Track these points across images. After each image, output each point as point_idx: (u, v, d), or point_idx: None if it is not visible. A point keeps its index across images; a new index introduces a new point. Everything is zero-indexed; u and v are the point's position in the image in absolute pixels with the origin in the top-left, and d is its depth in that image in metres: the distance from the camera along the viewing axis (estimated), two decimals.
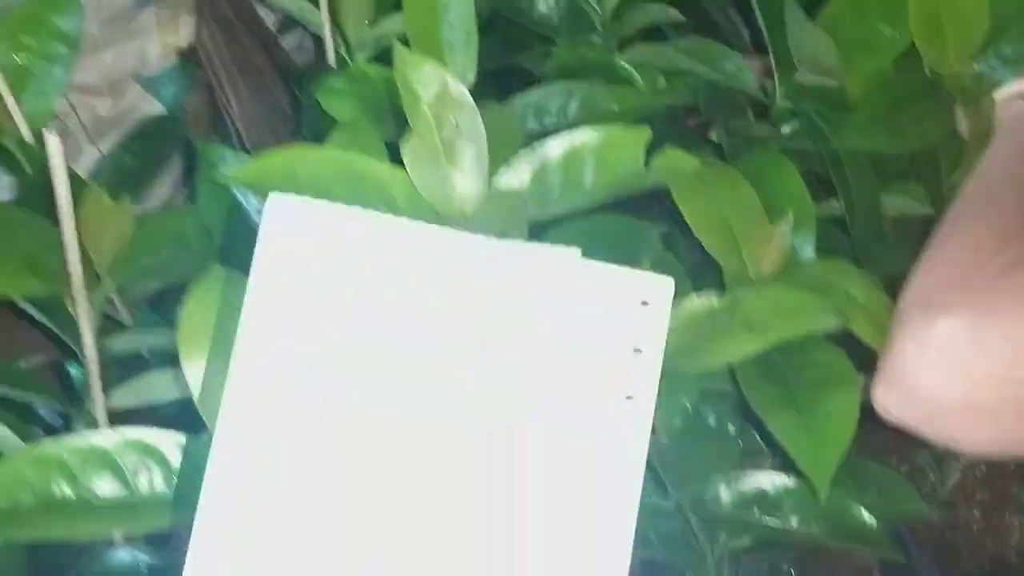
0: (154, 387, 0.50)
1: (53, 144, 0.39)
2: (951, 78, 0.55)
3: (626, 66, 0.71)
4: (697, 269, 0.49)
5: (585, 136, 0.43)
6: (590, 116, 0.60)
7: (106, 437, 0.39)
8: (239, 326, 0.32)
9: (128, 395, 0.51)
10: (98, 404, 0.50)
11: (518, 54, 0.78)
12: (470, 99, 0.43)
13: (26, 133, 0.54)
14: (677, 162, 0.43)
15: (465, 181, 0.42)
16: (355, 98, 0.58)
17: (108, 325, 0.52)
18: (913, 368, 0.41)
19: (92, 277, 0.48)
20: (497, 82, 0.80)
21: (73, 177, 0.47)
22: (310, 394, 0.32)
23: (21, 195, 0.53)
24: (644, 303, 0.34)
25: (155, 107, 0.78)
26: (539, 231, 0.43)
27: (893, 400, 0.42)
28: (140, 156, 0.62)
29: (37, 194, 0.52)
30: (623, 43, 0.72)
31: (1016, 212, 0.46)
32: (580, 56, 0.68)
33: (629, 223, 0.49)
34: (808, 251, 0.51)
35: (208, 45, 0.79)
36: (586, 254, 0.34)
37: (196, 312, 0.38)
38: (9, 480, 0.38)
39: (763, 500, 0.47)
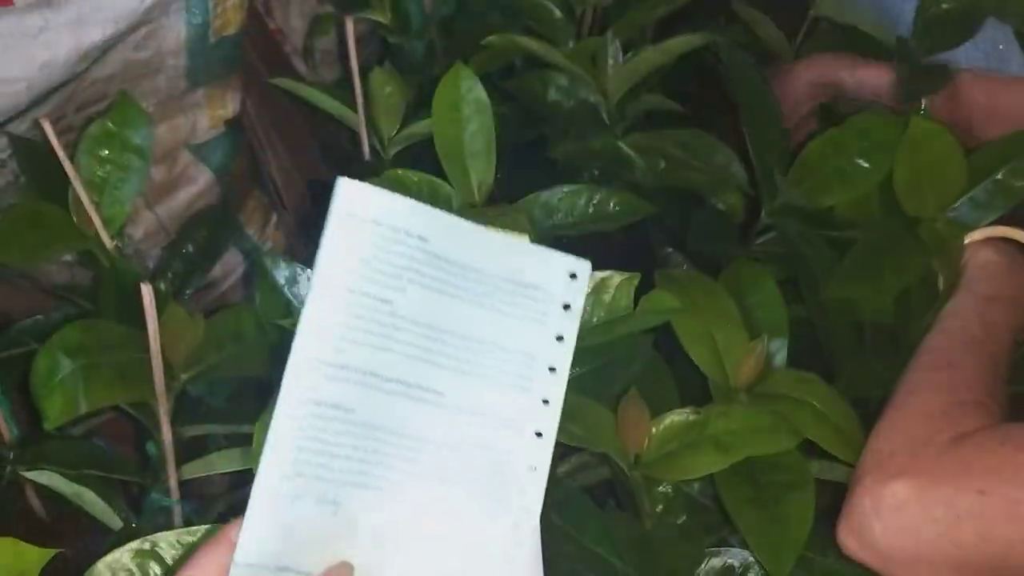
0: (218, 463, 0.59)
1: (147, 294, 0.48)
2: (927, 222, 0.62)
3: (629, 152, 0.79)
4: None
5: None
6: (594, 215, 0.68)
7: (193, 533, 0.48)
8: (308, 293, 0.39)
9: (197, 469, 0.60)
10: (171, 478, 0.59)
11: (532, 130, 0.86)
12: None
13: (104, 236, 0.63)
14: (663, 303, 0.52)
15: None
16: None
17: (182, 406, 0.60)
18: (868, 522, 0.47)
19: (169, 375, 0.57)
20: (514, 155, 0.89)
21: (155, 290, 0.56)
22: (357, 363, 0.40)
23: (103, 297, 0.61)
24: (572, 275, 0.44)
25: (204, 172, 0.87)
26: None
27: (853, 544, 0.48)
28: (200, 245, 0.71)
29: (119, 300, 0.61)
30: (627, 127, 0.80)
31: (967, 382, 0.52)
32: (587, 145, 0.75)
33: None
34: (782, 356, 0.59)
35: (252, 114, 0.87)
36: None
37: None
38: (114, 566, 0.47)
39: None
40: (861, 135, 0.65)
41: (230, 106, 0.85)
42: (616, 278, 0.51)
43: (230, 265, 0.95)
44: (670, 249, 0.77)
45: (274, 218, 0.96)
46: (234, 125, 0.87)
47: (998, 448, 0.47)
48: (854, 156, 0.64)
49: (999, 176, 0.64)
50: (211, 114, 0.85)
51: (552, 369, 0.44)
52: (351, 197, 0.41)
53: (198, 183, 0.86)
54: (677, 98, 0.79)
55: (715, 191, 0.76)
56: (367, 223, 0.41)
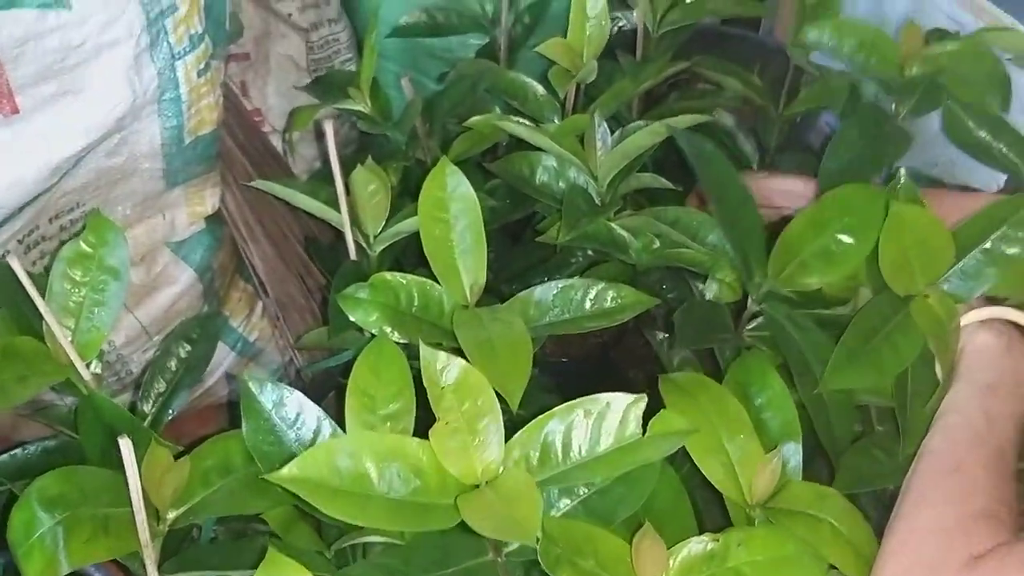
0: None
1: (126, 450, 0.45)
2: (919, 298, 0.60)
3: (623, 233, 0.77)
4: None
5: (588, 405, 0.49)
6: (592, 311, 0.66)
7: None
8: None
9: None
10: None
11: (522, 208, 0.84)
12: (486, 381, 0.48)
13: (80, 367, 0.60)
14: (674, 425, 0.49)
15: (484, 453, 0.48)
16: (379, 307, 0.63)
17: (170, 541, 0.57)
18: None
19: (154, 520, 0.54)
20: (505, 230, 0.86)
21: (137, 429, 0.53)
22: None
23: (83, 428, 0.58)
24: None
25: (185, 271, 0.84)
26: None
27: None
28: (183, 361, 0.68)
29: (99, 433, 0.58)
30: (620, 208, 0.78)
31: (977, 489, 0.50)
32: (581, 231, 0.73)
33: None
34: (796, 461, 0.57)
35: (232, 208, 0.85)
36: None
37: None
38: None
39: None
40: (842, 210, 0.62)
41: (209, 202, 0.82)
42: (621, 401, 0.48)
43: (216, 359, 0.93)
44: (663, 335, 0.75)
45: (259, 307, 0.94)
46: (214, 219, 0.85)
47: (1016, 574, 0.45)
48: (837, 232, 0.61)
49: (987, 245, 0.62)
50: (190, 211, 0.82)
51: None
52: None
53: (179, 282, 0.83)
54: (669, 169, 0.77)
55: (711, 269, 0.74)
56: None
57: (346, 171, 0.73)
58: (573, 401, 0.49)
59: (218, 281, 0.88)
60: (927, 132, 0.91)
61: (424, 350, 0.48)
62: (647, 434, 0.48)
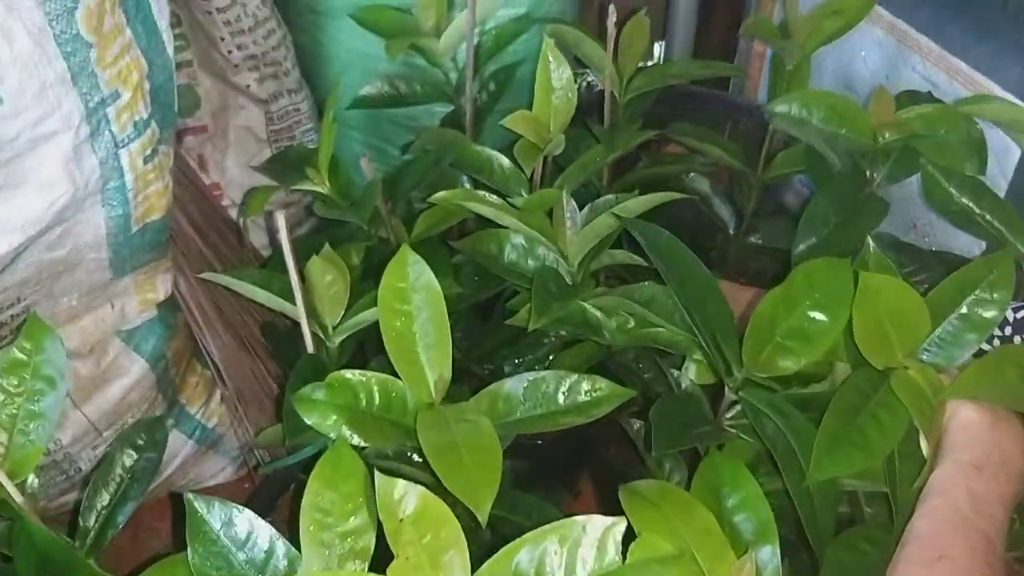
0: None
1: None
2: (899, 371, 0.57)
3: (596, 313, 0.73)
4: None
5: (562, 530, 0.45)
6: (566, 406, 0.62)
7: None
8: None
9: None
10: None
11: (490, 287, 0.80)
12: (449, 511, 0.44)
13: (11, 489, 0.55)
14: (653, 549, 0.45)
15: None
16: (337, 409, 0.59)
17: None
18: None
19: None
20: (474, 310, 0.83)
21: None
22: None
23: (19, 551, 0.54)
24: None
25: (137, 362, 0.80)
26: None
27: None
28: (128, 469, 0.63)
29: (35, 557, 0.53)
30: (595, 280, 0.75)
31: (965, 574, 0.47)
32: (556, 316, 0.70)
33: None
34: (774, 566, 0.53)
35: (186, 292, 0.81)
36: None
37: None
38: None
39: None
40: (810, 286, 0.59)
41: (161, 288, 0.78)
42: (598, 525, 0.45)
43: (173, 447, 0.88)
44: (638, 424, 0.71)
45: (218, 393, 0.89)
46: (167, 305, 0.81)
47: None
48: (808, 311, 0.58)
49: (963, 310, 0.60)
50: (141, 299, 0.78)
51: None
52: None
53: (131, 373, 0.79)
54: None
55: (688, 351, 0.71)
56: None
57: (306, 251, 0.70)
58: (546, 526, 0.45)
59: (173, 368, 0.84)
60: (903, 193, 0.89)
61: (379, 479, 0.44)
62: (627, 560, 0.45)
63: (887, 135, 0.79)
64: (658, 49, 1.33)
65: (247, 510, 0.53)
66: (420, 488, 0.44)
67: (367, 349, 0.74)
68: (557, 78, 0.77)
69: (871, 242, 0.63)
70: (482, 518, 0.51)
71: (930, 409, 0.55)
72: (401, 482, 0.44)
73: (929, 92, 0.89)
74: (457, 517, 0.60)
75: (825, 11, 0.84)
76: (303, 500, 0.52)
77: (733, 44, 1.30)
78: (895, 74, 0.95)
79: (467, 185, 0.85)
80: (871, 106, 0.80)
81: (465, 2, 0.85)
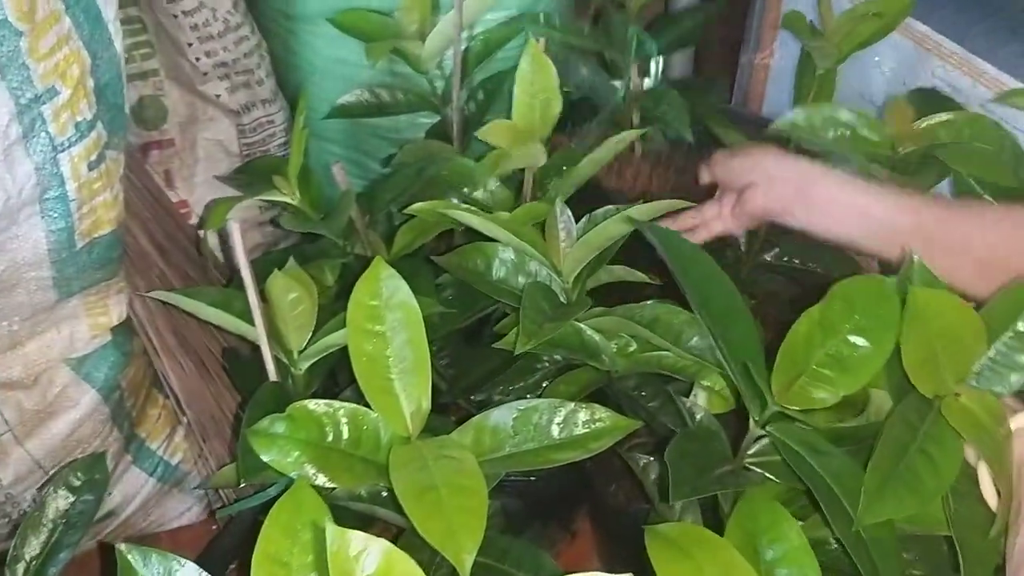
0: None
1: None
2: (949, 399, 0.49)
3: (594, 336, 0.66)
4: None
5: None
6: (561, 440, 0.55)
7: None
8: None
9: None
10: None
11: (478, 306, 0.73)
12: (418, 570, 0.37)
13: None
14: None
15: None
16: (299, 444, 0.52)
17: None
18: None
19: None
20: (460, 333, 0.75)
21: None
22: None
23: None
24: None
25: (87, 392, 0.72)
26: None
27: None
28: (63, 514, 0.56)
29: None
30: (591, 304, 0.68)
31: None
32: (544, 339, 0.62)
33: None
34: None
35: (143, 317, 0.74)
36: None
37: None
38: None
39: None
40: (848, 308, 0.51)
41: (114, 311, 0.71)
42: None
43: (133, 487, 0.80)
44: (648, 458, 0.64)
45: (181, 427, 0.82)
46: (122, 330, 0.73)
47: None
48: (848, 335, 0.50)
49: (1020, 326, 0.52)
50: (91, 323, 0.71)
51: None
52: None
53: (80, 406, 0.72)
54: (642, 261, 0.66)
55: (696, 376, 0.64)
56: None
57: (273, 268, 0.62)
58: None
59: (130, 400, 0.76)
60: None
61: (331, 532, 0.36)
62: None
63: (907, 145, 0.73)
64: (655, 66, 1.28)
65: (190, 563, 0.46)
66: (383, 543, 0.36)
67: (339, 378, 0.66)
68: (540, 83, 0.71)
69: (914, 255, 0.55)
70: (463, 572, 0.43)
71: (992, 441, 0.48)
72: (358, 535, 0.36)
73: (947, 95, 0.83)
74: (438, 566, 0.53)
75: (863, 12, 0.78)
76: (255, 549, 0.44)
77: (734, 59, 1.25)
78: (913, 79, 0.88)
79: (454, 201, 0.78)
80: (887, 117, 0.74)
81: (451, 3, 0.78)
